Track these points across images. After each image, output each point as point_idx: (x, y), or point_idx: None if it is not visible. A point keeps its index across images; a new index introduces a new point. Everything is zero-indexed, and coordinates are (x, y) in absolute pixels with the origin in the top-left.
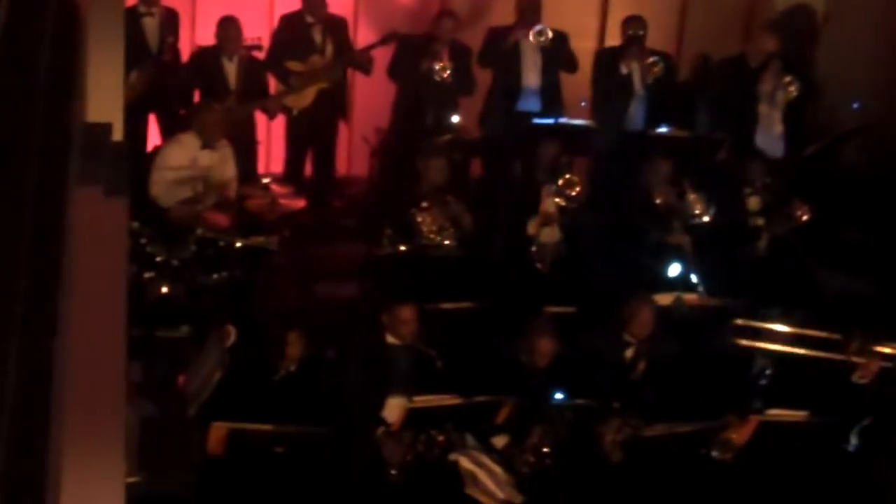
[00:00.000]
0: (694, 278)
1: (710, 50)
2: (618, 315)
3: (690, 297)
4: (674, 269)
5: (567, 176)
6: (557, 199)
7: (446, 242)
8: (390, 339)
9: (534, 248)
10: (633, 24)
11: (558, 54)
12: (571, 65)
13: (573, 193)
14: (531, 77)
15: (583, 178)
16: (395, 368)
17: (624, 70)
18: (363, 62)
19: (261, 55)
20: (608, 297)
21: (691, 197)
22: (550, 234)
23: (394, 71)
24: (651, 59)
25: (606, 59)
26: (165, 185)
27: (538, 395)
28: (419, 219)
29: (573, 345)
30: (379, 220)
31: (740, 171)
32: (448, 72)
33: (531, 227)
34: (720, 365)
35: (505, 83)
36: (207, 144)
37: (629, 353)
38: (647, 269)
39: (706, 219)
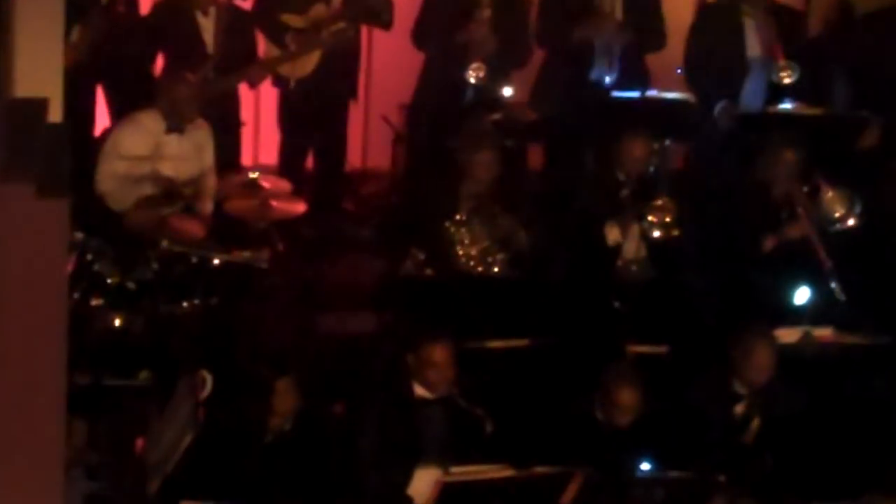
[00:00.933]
0: (830, 306)
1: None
2: (726, 357)
3: (823, 333)
4: (802, 295)
5: (659, 202)
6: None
7: (493, 269)
8: (419, 389)
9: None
10: None
11: (644, 14)
12: (658, 40)
13: (665, 220)
14: (610, 46)
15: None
16: (425, 430)
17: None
18: (381, 12)
19: (245, 4)
20: (712, 332)
21: (828, 196)
22: (635, 250)
23: (420, 37)
24: (783, 62)
25: (712, 16)
26: (118, 181)
27: (618, 465)
28: (456, 236)
29: (664, 397)
30: (404, 231)
31: (893, 162)
32: (484, 73)
33: (610, 237)
34: (861, 424)
35: (574, 48)
36: (175, 126)
37: (740, 407)
38: (766, 295)
39: (850, 223)
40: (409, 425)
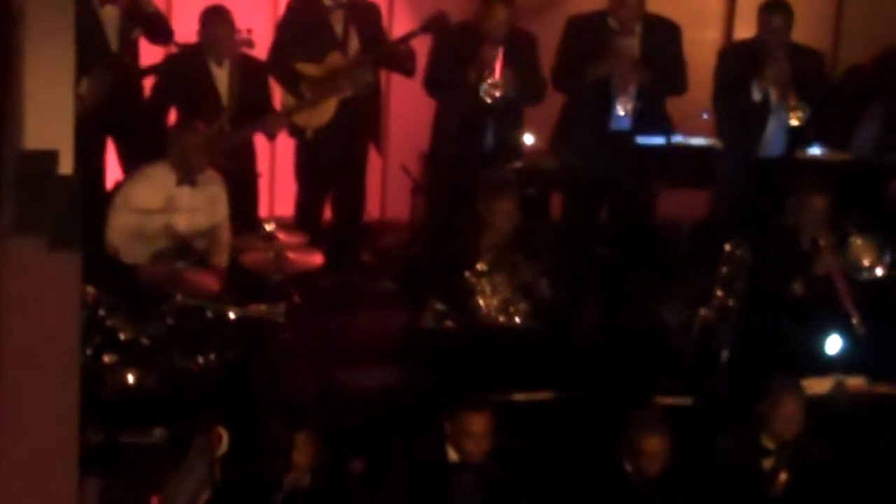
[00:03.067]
0: (862, 355)
1: (879, 41)
2: (753, 408)
3: (856, 383)
4: (833, 344)
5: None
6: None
7: (515, 320)
8: (452, 454)
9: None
10: (775, 10)
11: (664, 56)
12: (678, 84)
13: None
14: (623, 94)
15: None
16: (456, 495)
17: (756, 95)
18: (402, 59)
19: (260, 54)
20: (738, 383)
21: (857, 243)
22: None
23: (432, 82)
24: (794, 103)
25: (735, 63)
26: (131, 234)
27: None
28: (477, 287)
29: (692, 450)
30: (423, 282)
31: None
32: (502, 90)
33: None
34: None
35: (592, 91)
36: (186, 178)
37: (769, 461)
38: (796, 343)
39: (879, 272)
40: (438, 490)
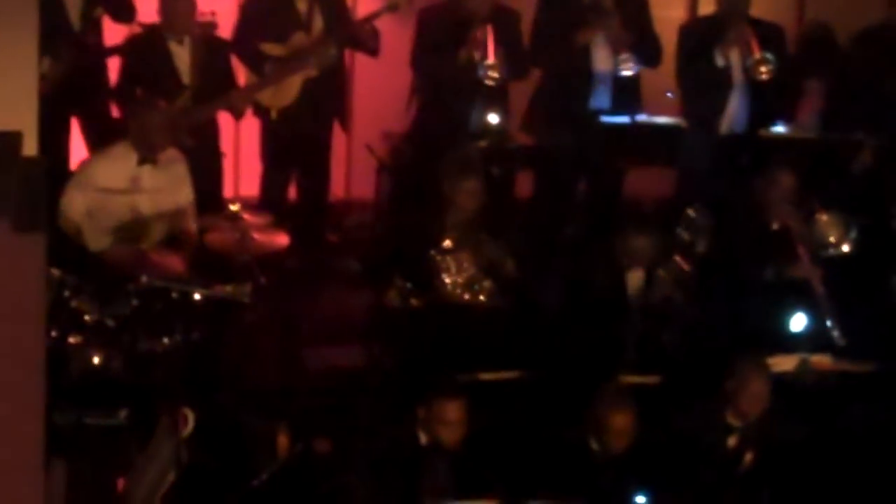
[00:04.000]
0: (827, 333)
1: (843, 19)
2: (719, 386)
3: (821, 360)
4: (798, 321)
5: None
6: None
7: (480, 298)
8: (423, 438)
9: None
10: None
11: (637, 28)
12: (654, 55)
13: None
14: (602, 60)
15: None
16: (426, 478)
17: (720, 61)
18: (366, 39)
19: (223, 32)
20: (704, 361)
21: (823, 219)
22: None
23: (419, 62)
24: (758, 55)
25: (697, 37)
26: (93, 214)
27: (612, 499)
28: (443, 265)
29: (657, 428)
30: (389, 261)
31: (888, 185)
32: (499, 72)
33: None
34: (862, 456)
35: (571, 69)
36: (147, 157)
37: (733, 439)
38: (760, 321)
39: (844, 249)
40: (407, 473)
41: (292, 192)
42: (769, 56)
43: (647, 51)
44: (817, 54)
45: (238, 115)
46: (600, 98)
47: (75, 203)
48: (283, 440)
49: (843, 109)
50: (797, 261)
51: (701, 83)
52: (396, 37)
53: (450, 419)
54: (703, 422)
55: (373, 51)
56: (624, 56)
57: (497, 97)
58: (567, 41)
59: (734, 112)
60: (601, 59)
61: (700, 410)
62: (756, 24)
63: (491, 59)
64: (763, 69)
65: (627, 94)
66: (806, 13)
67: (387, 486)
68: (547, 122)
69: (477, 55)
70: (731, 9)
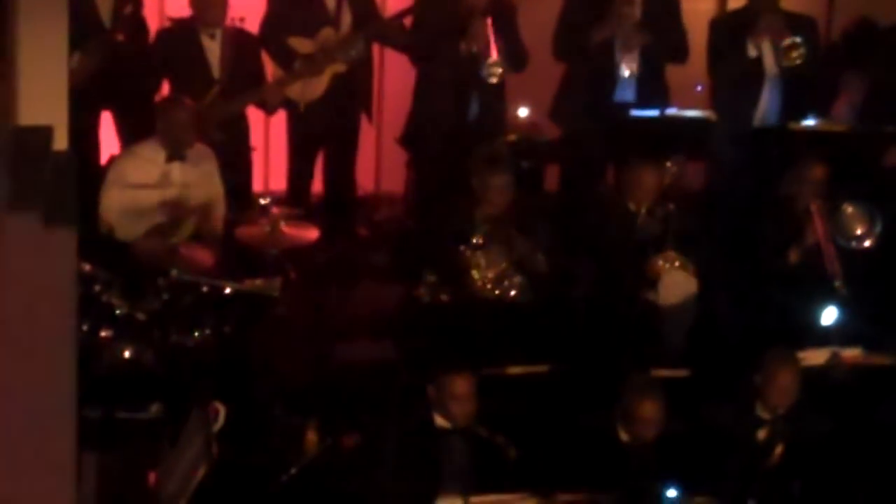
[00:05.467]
0: (857, 327)
1: (875, 12)
2: (748, 380)
3: (851, 354)
4: (829, 315)
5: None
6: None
7: (511, 293)
8: (440, 420)
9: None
10: None
11: (663, 25)
12: (680, 50)
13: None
14: (627, 54)
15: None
16: (446, 460)
17: (752, 52)
18: (395, 34)
19: (252, 27)
20: (733, 354)
21: (849, 212)
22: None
23: (418, 53)
24: (788, 41)
25: (727, 30)
26: (125, 210)
27: (643, 491)
28: (472, 260)
29: (687, 419)
30: (418, 256)
31: None
32: (502, 67)
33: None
34: (893, 449)
35: (595, 60)
36: (176, 154)
37: (763, 432)
38: (791, 315)
39: (867, 242)
40: (428, 455)
41: (321, 187)
42: (799, 40)
43: (673, 47)
44: (858, 47)
45: (270, 109)
46: (624, 92)
47: (108, 200)
48: (311, 435)
49: (881, 103)
50: (827, 258)
51: (734, 75)
52: None
53: (458, 393)
54: (733, 414)
55: (402, 47)
56: (492, 61)
57: (494, 90)
58: (589, 36)
59: (766, 104)
60: (626, 54)
61: (730, 403)
62: (787, 16)
63: (493, 58)
64: (794, 54)
65: (652, 89)
66: (836, 6)
67: (411, 472)
68: (573, 113)
69: (482, 52)
70: (763, 2)
